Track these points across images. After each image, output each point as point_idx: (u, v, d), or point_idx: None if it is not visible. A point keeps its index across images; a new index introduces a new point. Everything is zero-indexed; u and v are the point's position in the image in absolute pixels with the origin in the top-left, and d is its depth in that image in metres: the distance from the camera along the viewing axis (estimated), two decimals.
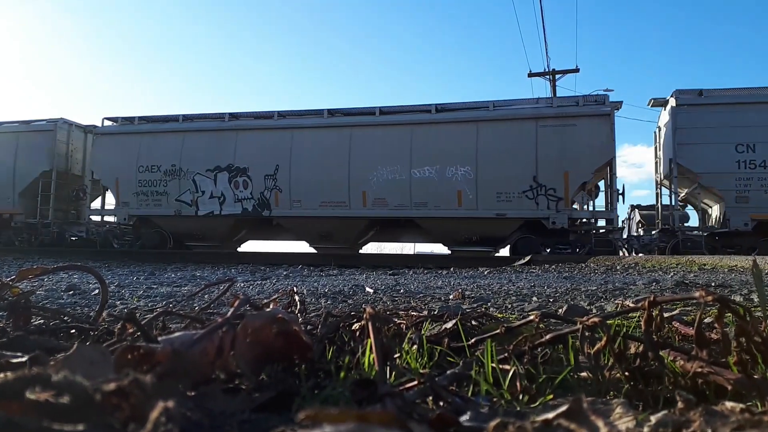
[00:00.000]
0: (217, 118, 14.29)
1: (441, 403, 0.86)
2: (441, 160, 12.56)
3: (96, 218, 15.92)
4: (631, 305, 1.14)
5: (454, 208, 12.53)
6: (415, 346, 1.26)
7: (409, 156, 12.74)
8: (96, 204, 16.48)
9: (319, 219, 13.26)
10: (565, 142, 11.99)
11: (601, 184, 12.77)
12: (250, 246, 16.37)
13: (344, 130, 13.23)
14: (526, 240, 12.42)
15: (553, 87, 21.49)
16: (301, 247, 14.76)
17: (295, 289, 2.19)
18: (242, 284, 5.07)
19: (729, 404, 0.72)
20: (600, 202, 12.81)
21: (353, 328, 1.39)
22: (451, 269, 8.36)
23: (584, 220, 12.64)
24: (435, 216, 12.67)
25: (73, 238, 15.77)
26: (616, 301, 2.96)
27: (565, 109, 12.33)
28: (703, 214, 13.74)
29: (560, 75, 21.60)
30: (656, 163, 13.87)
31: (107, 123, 15.16)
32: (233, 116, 14.14)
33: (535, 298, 3.35)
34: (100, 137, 14.91)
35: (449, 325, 1.40)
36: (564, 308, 2.16)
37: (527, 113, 12.41)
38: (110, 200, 15.24)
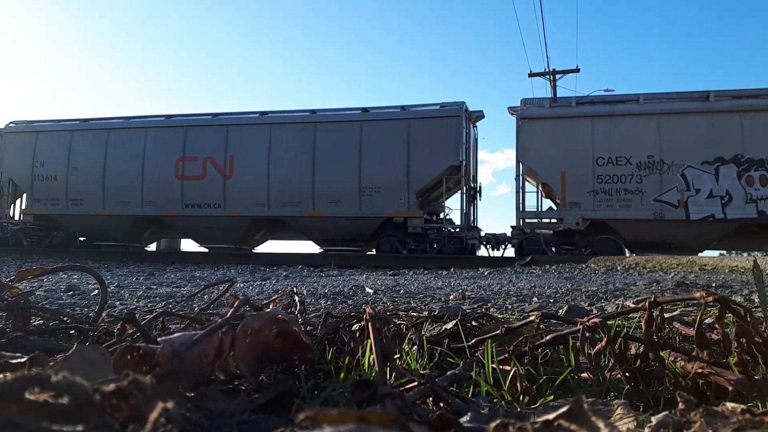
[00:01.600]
0: (698, 97, 11.51)
1: (441, 404, 0.86)
2: None
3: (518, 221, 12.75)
4: (632, 306, 1.14)
5: None
6: (415, 347, 1.26)
7: None
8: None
9: None
10: None
11: None
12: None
13: None
14: None
15: (554, 87, 21.49)
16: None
17: (294, 289, 2.19)
18: (242, 285, 5.07)
19: (730, 405, 0.72)
20: None
21: (353, 328, 1.39)
22: (452, 269, 8.36)
23: None
24: None
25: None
26: (616, 302, 2.96)
27: None
28: None
29: (560, 75, 21.60)
30: None
31: (525, 106, 12.68)
32: (718, 95, 11.43)
33: (535, 299, 3.35)
34: (529, 122, 12.26)
35: (449, 325, 1.40)
36: (564, 309, 2.16)
37: None
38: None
